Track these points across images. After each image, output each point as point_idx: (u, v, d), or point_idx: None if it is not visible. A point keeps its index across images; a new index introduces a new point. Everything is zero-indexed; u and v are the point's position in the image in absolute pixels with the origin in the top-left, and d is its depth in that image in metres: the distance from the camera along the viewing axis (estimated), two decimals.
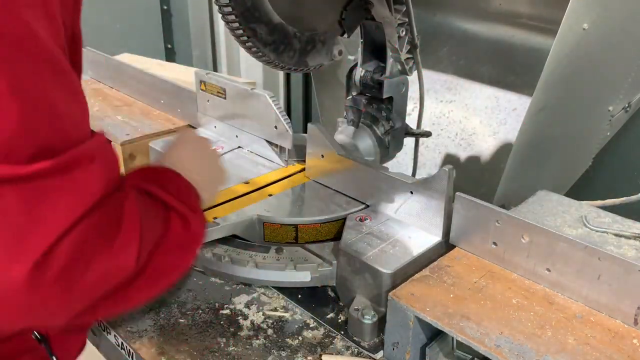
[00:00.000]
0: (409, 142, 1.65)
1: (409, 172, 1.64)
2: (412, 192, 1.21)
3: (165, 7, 3.61)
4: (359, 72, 1.47)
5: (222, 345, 1.09)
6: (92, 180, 0.71)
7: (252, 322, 1.15)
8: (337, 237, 1.25)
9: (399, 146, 1.55)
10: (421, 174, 2.06)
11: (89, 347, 1.27)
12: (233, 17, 1.28)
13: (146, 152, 1.66)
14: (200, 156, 1.06)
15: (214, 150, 1.25)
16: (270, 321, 1.15)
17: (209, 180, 1.03)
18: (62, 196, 0.67)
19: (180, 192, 0.89)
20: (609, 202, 1.35)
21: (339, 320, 1.16)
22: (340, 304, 1.20)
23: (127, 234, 0.75)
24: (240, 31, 1.32)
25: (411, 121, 1.56)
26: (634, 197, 1.38)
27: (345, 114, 1.52)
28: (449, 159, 2.16)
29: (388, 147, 1.50)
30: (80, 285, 0.70)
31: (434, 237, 1.19)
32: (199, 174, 0.97)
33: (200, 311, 1.18)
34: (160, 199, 0.84)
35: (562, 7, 1.32)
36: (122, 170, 1.65)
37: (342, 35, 1.44)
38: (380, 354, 1.07)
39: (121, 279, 0.75)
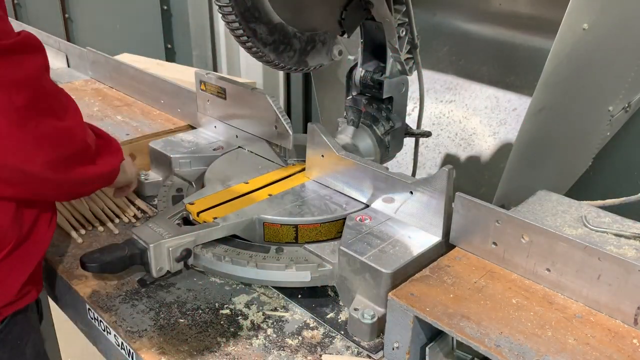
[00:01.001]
0: (409, 142, 1.65)
1: (409, 172, 1.63)
2: (412, 192, 1.21)
3: (165, 7, 3.61)
4: (359, 72, 1.47)
5: (222, 345, 1.09)
6: (36, 59, 0.97)
7: (252, 322, 1.15)
8: (337, 237, 1.25)
9: (399, 146, 1.55)
10: (421, 174, 2.07)
11: (89, 347, 1.27)
12: (233, 17, 1.28)
13: (146, 152, 1.66)
14: None
15: None
16: (270, 321, 1.15)
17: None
18: (14, 65, 0.92)
19: (99, 130, 1.23)
20: (609, 202, 1.35)
21: (339, 320, 1.16)
22: (340, 304, 1.20)
23: (74, 115, 1.06)
24: (240, 31, 1.32)
25: (411, 121, 1.56)
26: (634, 197, 1.38)
27: (345, 114, 1.52)
28: (449, 159, 2.16)
29: (388, 147, 1.50)
30: (37, 131, 0.96)
31: (434, 237, 1.18)
32: None
33: (200, 311, 1.18)
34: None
35: (562, 7, 1.32)
36: None
37: (342, 35, 1.44)
38: (380, 354, 1.07)
39: (74, 149, 1.05)
